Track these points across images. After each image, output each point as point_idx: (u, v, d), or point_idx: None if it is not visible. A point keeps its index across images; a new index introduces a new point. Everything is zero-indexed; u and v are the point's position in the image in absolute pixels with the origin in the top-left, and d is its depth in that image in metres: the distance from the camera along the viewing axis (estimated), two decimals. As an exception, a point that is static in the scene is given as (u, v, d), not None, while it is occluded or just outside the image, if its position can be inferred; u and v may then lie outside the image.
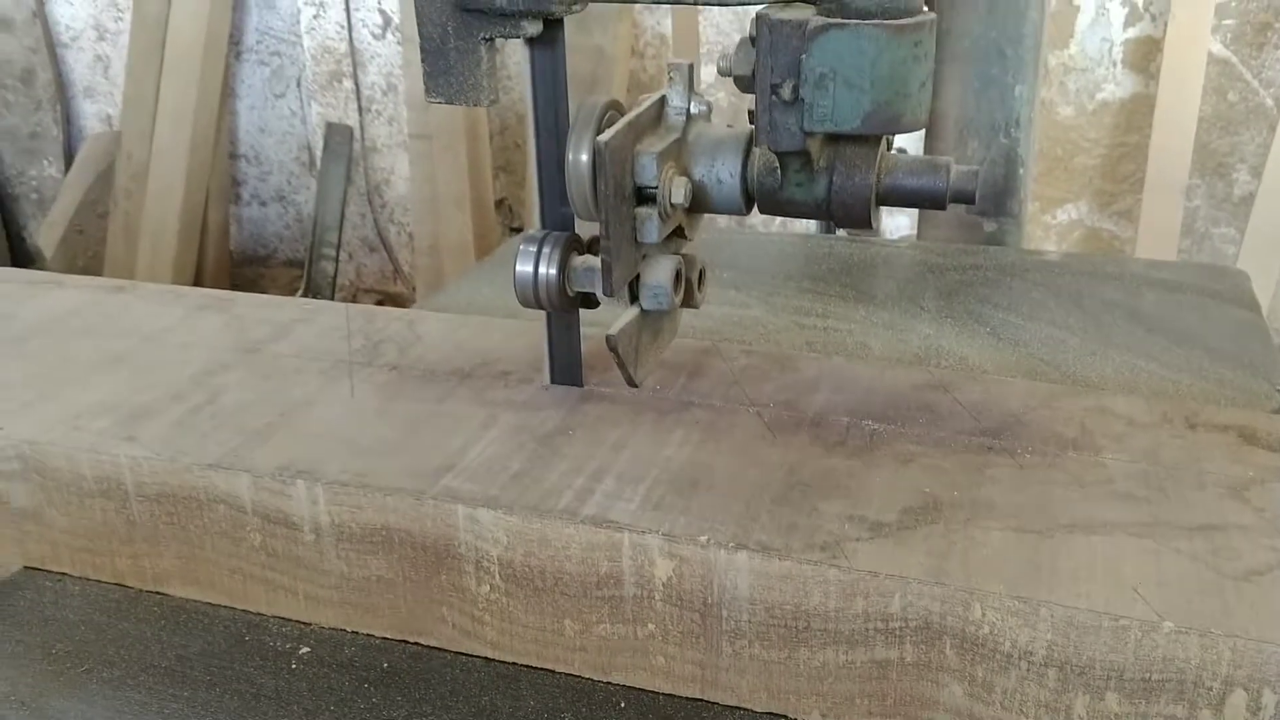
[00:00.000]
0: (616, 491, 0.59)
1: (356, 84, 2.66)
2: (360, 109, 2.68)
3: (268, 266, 2.95)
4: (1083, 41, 2.26)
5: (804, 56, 0.54)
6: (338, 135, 2.68)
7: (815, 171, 0.59)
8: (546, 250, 0.63)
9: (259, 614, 0.65)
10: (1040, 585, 0.51)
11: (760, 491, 0.59)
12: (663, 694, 0.58)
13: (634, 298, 0.62)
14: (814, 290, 1.07)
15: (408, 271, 2.78)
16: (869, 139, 0.59)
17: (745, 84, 0.58)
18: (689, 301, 0.65)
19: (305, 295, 2.67)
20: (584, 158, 0.59)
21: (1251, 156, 2.23)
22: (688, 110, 0.61)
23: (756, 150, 0.60)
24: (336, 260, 2.69)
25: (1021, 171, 1.28)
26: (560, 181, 0.63)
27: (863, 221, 0.60)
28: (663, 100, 0.61)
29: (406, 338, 0.79)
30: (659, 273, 0.61)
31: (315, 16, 2.68)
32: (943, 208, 0.60)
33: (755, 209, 0.62)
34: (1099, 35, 2.25)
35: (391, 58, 2.63)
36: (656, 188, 0.59)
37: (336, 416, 0.68)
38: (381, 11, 2.60)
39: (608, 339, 0.60)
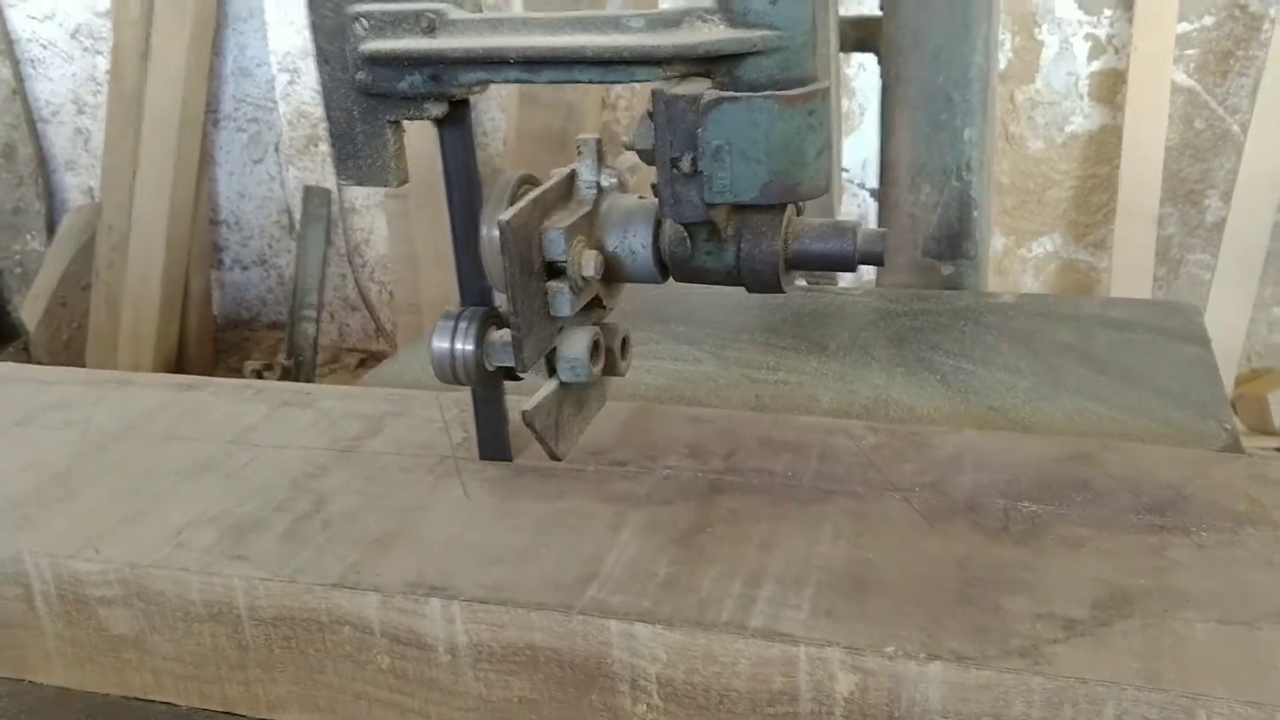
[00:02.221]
0: (780, 598, 0.54)
1: (333, 146, 2.68)
2: (337, 171, 2.70)
3: (251, 330, 2.96)
4: (1048, 76, 2.28)
5: (699, 130, 0.55)
6: (316, 198, 2.70)
7: (723, 240, 0.60)
8: (463, 326, 0.63)
9: (387, 741, 0.62)
10: (1268, 686, 0.48)
11: (935, 590, 0.55)
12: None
13: (552, 370, 0.62)
14: (766, 343, 1.07)
15: (390, 329, 2.78)
16: (772, 207, 0.59)
17: (648, 158, 0.58)
18: (612, 370, 0.65)
19: (288, 357, 2.68)
20: (496, 233, 0.59)
21: (1222, 182, 2.24)
22: (598, 183, 0.62)
23: (666, 221, 0.61)
24: (318, 321, 2.70)
25: (976, 214, 1.29)
26: (476, 257, 0.63)
27: (773, 287, 0.60)
28: (573, 174, 0.62)
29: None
30: (575, 345, 0.61)
31: (290, 83, 2.70)
32: (852, 269, 0.60)
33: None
34: (1064, 69, 2.27)
35: (366, 119, 2.65)
36: (566, 262, 0.59)
37: (456, 521, 0.64)
38: (355, 74, 2.63)
39: (523, 415, 0.60)
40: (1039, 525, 0.60)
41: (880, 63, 1.26)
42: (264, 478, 0.71)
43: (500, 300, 0.65)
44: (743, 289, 0.61)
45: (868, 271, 1.92)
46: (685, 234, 0.60)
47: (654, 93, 0.55)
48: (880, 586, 0.55)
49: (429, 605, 0.57)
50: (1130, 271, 2.24)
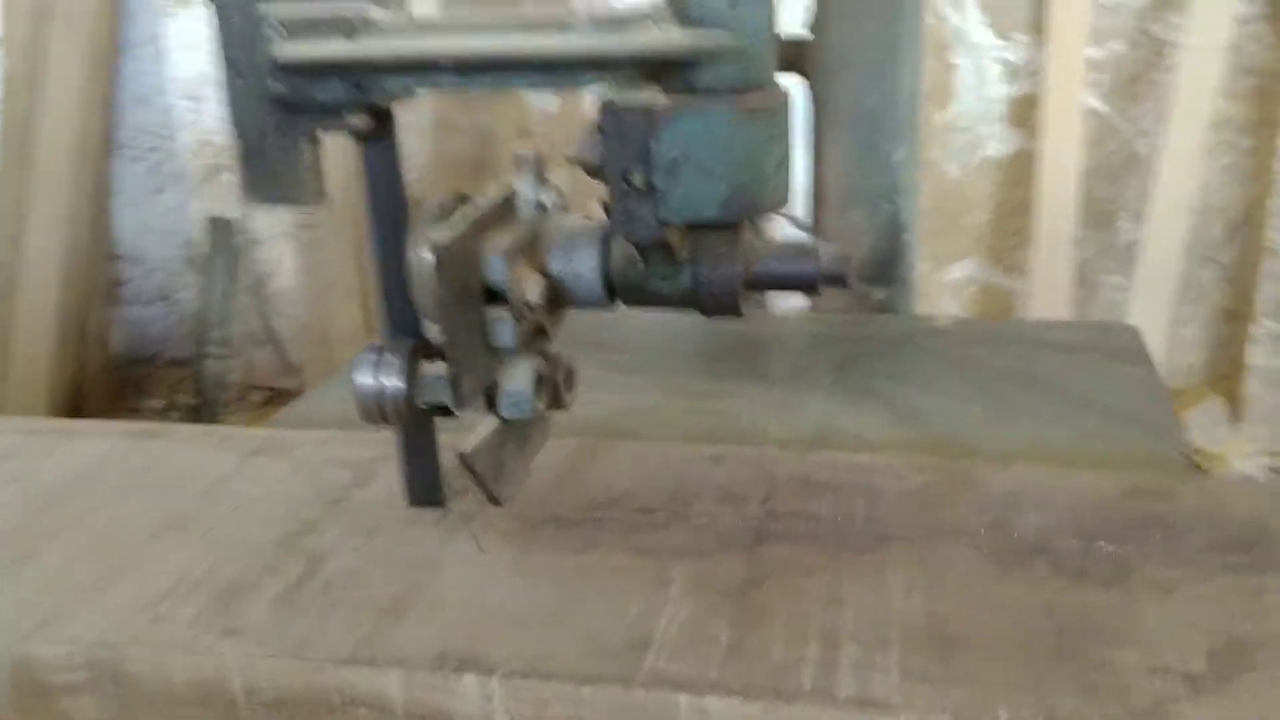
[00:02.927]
0: (864, 660, 0.49)
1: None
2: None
3: (153, 368, 2.83)
4: (964, 101, 2.29)
5: (653, 143, 0.50)
6: (220, 229, 2.60)
7: (678, 262, 0.55)
8: (390, 359, 0.57)
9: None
10: None
11: (1029, 644, 0.50)
12: None
13: (492, 405, 0.57)
14: (708, 371, 1.03)
15: (299, 364, 2.69)
16: (730, 226, 0.55)
17: (595, 173, 0.54)
18: (556, 404, 0.60)
19: (195, 396, 2.57)
20: (427, 257, 0.54)
21: (1133, 204, 2.27)
22: (540, 202, 0.57)
23: (616, 242, 0.56)
24: (225, 357, 2.59)
25: (906, 237, 1.27)
26: (404, 284, 0.57)
27: (733, 311, 0.56)
28: (512, 194, 0.57)
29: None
30: (518, 378, 0.56)
31: (191, 110, 2.61)
32: (816, 292, 0.56)
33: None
34: (979, 94, 2.29)
35: (273, 148, 2.56)
36: (508, 287, 0.54)
37: (473, 581, 0.57)
38: (260, 101, 2.54)
39: (461, 457, 0.54)
40: (1121, 567, 0.56)
41: (809, 85, 1.23)
42: (246, 535, 0.63)
43: (431, 330, 0.59)
44: (691, 312, 0.57)
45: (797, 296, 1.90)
46: (636, 256, 0.55)
47: (603, 102, 0.51)
48: (968, 643, 0.51)
49: (462, 682, 0.50)
50: (1049, 294, 2.26)
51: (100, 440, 0.77)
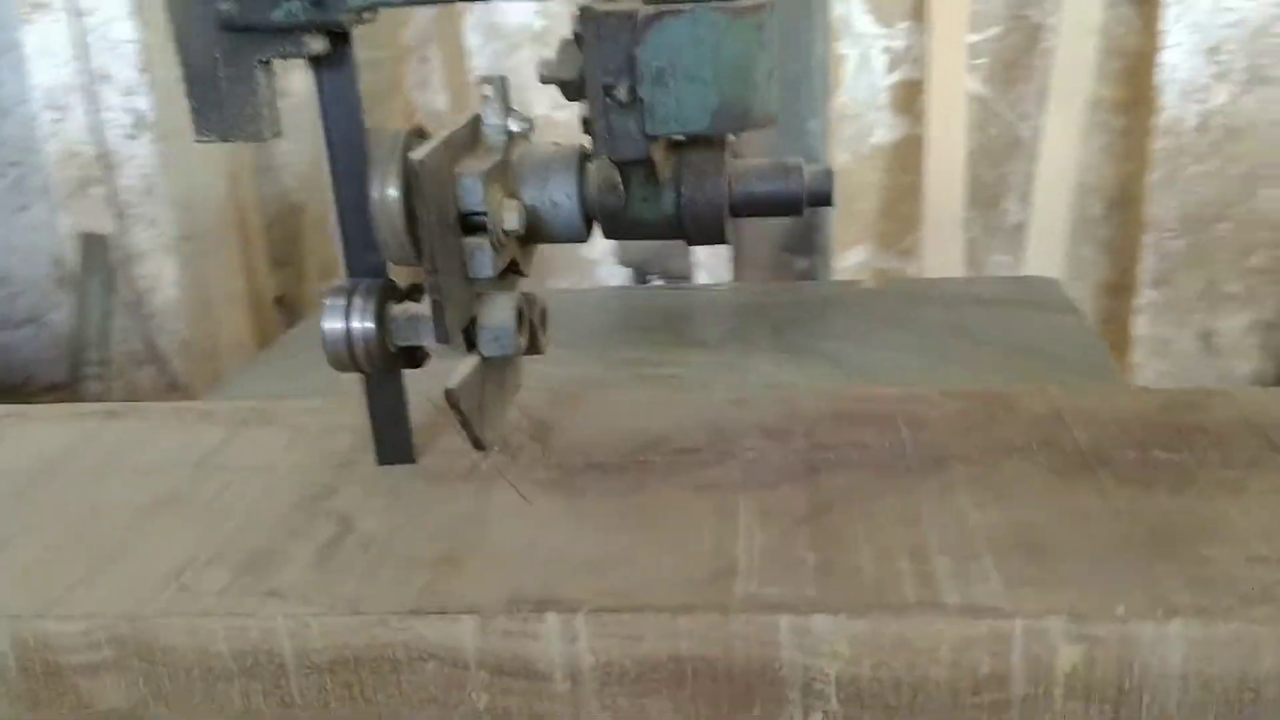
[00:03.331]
0: (960, 571, 0.48)
1: (111, 189, 2.46)
2: (117, 215, 2.48)
3: (25, 395, 2.68)
4: (851, 89, 2.33)
5: (637, 51, 0.48)
6: (92, 246, 2.47)
7: (660, 185, 0.53)
8: (359, 301, 0.54)
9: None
10: None
11: (1121, 548, 0.49)
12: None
13: (471, 345, 0.54)
14: (645, 341, 1.01)
15: (185, 382, 2.57)
16: (715, 143, 0.53)
17: (573, 90, 0.51)
18: (534, 346, 0.57)
19: (71, 421, 2.43)
20: (392, 192, 0.51)
21: (1018, 186, 2.34)
22: (507, 129, 0.54)
23: (593, 166, 0.54)
24: (104, 379, 2.46)
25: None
26: (365, 223, 0.54)
27: (717, 236, 0.54)
28: (477, 120, 0.54)
29: (526, 426, 0.65)
30: (499, 313, 0.53)
31: (56, 120, 2.47)
32: (799, 212, 0.55)
33: (596, 234, 0.56)
34: (865, 82, 2.33)
35: (148, 158, 2.45)
36: (484, 214, 0.51)
37: (527, 529, 0.54)
38: (133, 110, 2.43)
39: (447, 394, 0.51)
40: (1184, 473, 0.55)
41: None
42: (256, 504, 0.58)
43: (397, 273, 0.56)
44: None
45: (723, 269, 1.90)
46: (617, 180, 0.53)
47: (582, 10, 0.49)
48: (1058, 549, 0.49)
49: (544, 623, 0.46)
50: (940, 275, 2.30)
51: (59, 426, 0.70)
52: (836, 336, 0.98)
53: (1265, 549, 0.49)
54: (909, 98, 2.31)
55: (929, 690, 0.45)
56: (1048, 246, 2.28)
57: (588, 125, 0.51)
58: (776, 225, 1.25)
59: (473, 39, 2.33)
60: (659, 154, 0.52)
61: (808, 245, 1.27)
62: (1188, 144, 2.23)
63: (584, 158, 0.54)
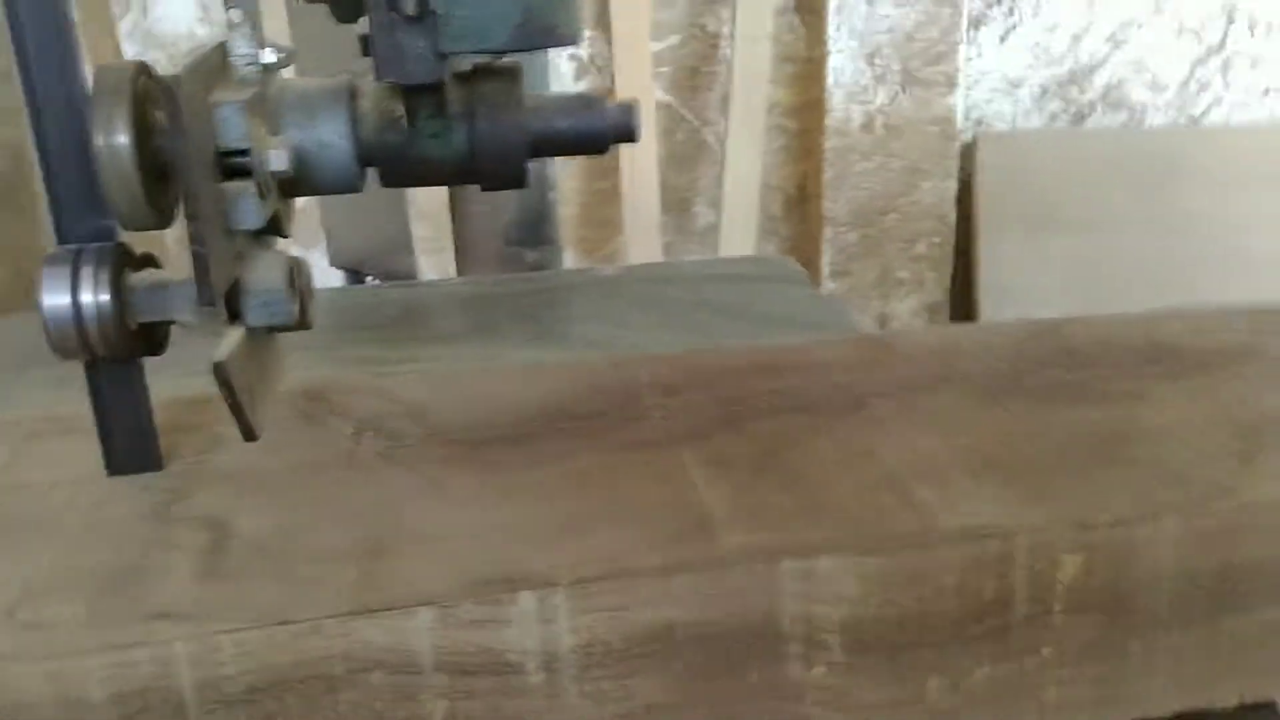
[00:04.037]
0: (944, 496, 0.45)
1: None
2: None
3: None
4: (540, 98, 2.31)
5: (426, -44, 0.42)
6: None
7: (451, 119, 0.47)
8: (88, 269, 0.43)
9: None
10: None
11: (1074, 459, 0.48)
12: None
13: (233, 315, 0.45)
14: (378, 339, 0.92)
15: None
16: (510, 73, 0.47)
17: (347, 7, 0.44)
18: (303, 320, 0.49)
19: None
20: (121, 139, 0.41)
21: (707, 189, 2.41)
22: (260, 60, 0.46)
23: (367, 100, 0.46)
24: None
25: (552, 195, 1.23)
26: (84, 177, 0.44)
27: (515, 178, 0.49)
28: (222, 49, 0.45)
29: (399, 410, 0.56)
30: (269, 273, 0.45)
31: None
32: (603, 150, 0.50)
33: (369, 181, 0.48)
34: (554, 90, 2.32)
35: None
36: (247, 153, 0.43)
37: (452, 511, 0.46)
38: None
39: (216, 369, 0.42)
40: (1087, 388, 0.55)
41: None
42: (89, 521, 0.46)
43: (127, 236, 0.46)
44: (463, 186, 0.49)
45: (448, 267, 1.81)
46: (399, 113, 0.46)
47: (356, -93, 0.42)
48: (1018, 467, 0.48)
49: (516, 605, 0.39)
50: (643, 279, 2.34)
51: None
52: (590, 319, 0.94)
53: (1209, 445, 0.49)
54: (599, 105, 2.33)
55: (933, 624, 0.43)
56: (737, 246, 2.36)
57: (367, 46, 0.44)
58: (503, 218, 1.20)
59: None
60: (449, 81, 0.46)
61: (537, 237, 1.23)
62: (855, 143, 2.38)
63: (354, 92, 0.47)
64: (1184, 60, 2.49)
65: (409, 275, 1.29)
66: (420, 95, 0.46)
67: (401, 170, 0.47)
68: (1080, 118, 2.51)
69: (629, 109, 0.49)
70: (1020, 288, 2.39)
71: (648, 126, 2.32)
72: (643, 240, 2.33)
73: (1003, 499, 0.45)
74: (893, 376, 0.58)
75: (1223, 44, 2.48)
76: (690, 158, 2.40)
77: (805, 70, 2.38)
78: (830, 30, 2.31)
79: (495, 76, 0.47)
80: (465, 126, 0.47)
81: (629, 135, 0.49)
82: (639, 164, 2.31)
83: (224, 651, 0.38)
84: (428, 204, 1.68)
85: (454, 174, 0.48)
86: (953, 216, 2.43)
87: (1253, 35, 2.49)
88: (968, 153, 2.41)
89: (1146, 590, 0.44)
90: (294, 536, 0.45)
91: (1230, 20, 2.47)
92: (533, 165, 1.27)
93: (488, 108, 0.47)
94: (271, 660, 0.38)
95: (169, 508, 0.47)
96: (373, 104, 0.46)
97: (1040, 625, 0.44)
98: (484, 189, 0.49)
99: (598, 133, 0.49)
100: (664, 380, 0.58)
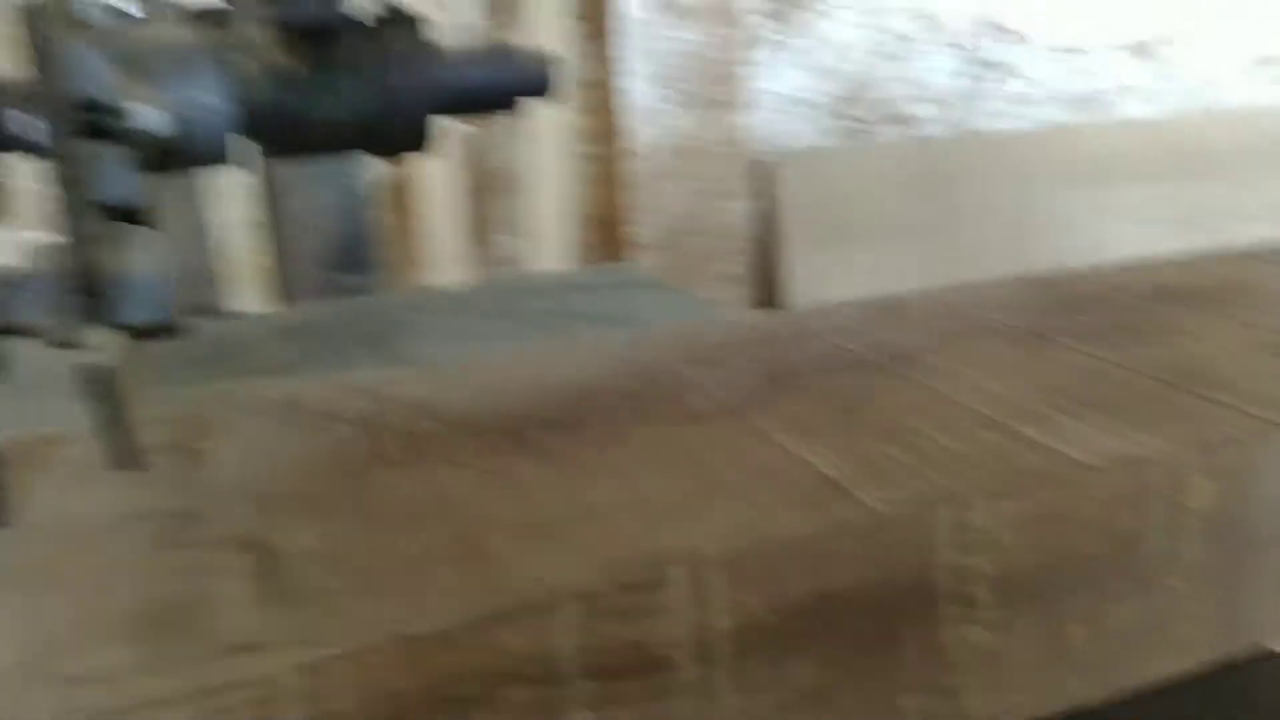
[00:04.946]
0: (1054, 430, 0.42)
1: None
2: None
3: None
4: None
5: None
6: None
7: (349, 70, 0.40)
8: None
9: None
10: None
11: (1150, 390, 0.46)
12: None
13: (95, 316, 0.37)
14: (206, 376, 0.82)
15: None
16: (416, 21, 0.41)
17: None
18: (177, 325, 0.41)
19: None
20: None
21: (511, 218, 2.35)
22: (114, 7, 0.38)
23: (250, 50, 0.39)
24: None
25: (370, 214, 1.16)
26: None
27: (418, 139, 0.42)
28: (64, -5, 0.37)
29: (400, 406, 0.50)
30: (148, 260, 0.36)
31: None
32: (511, 108, 0.45)
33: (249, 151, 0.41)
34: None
35: None
36: (115, 111, 0.35)
37: (537, 496, 0.39)
38: None
39: (91, 376, 0.34)
40: (1129, 328, 0.53)
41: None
42: (90, 561, 0.37)
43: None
44: (356, 154, 0.42)
45: (257, 299, 1.68)
46: (286, 68, 0.39)
47: None
48: (1116, 398, 0.45)
49: (667, 588, 0.33)
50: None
51: None
52: (446, 338, 0.87)
53: (1256, 369, 0.48)
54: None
55: (1070, 567, 0.39)
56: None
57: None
58: (323, 245, 1.11)
59: None
60: (348, 30, 0.39)
61: (357, 262, 1.15)
62: (656, 166, 2.38)
63: (236, 42, 0.39)
64: (951, 74, 2.63)
65: (214, 310, 1.18)
66: (315, 46, 0.39)
67: (288, 134, 0.40)
68: (861, 133, 2.61)
69: (546, 61, 0.44)
70: (831, 300, 2.46)
71: (451, 156, 2.25)
72: (447, 273, 2.25)
73: (1114, 430, 0.42)
74: (928, 331, 0.55)
75: (985, 58, 2.64)
76: (494, 186, 2.35)
77: (599, 95, 2.37)
78: (618, 53, 2.31)
79: (402, 23, 0.41)
80: (368, 80, 0.40)
81: (541, 90, 0.44)
82: (440, 196, 2.23)
83: (333, 675, 0.30)
84: (232, 231, 1.56)
85: (350, 137, 0.41)
86: (754, 235, 2.47)
87: (1010, 46, 2.66)
88: (767, 172, 2.46)
89: (1269, 515, 0.42)
90: (356, 545, 0.37)
91: (989, 33, 2.63)
92: (347, 185, 1.20)
93: (393, 59, 0.40)
94: (394, 683, 0.31)
95: (188, 531, 0.39)
96: (256, 56, 0.39)
97: (1171, 557, 0.41)
98: (383, 155, 0.42)
99: (513, 86, 0.43)
100: (684, 357, 0.54)
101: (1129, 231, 2.43)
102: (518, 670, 0.32)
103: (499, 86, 0.43)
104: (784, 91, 2.50)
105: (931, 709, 0.37)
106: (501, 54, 0.43)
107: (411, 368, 0.54)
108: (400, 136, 0.41)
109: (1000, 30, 2.63)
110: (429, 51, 0.41)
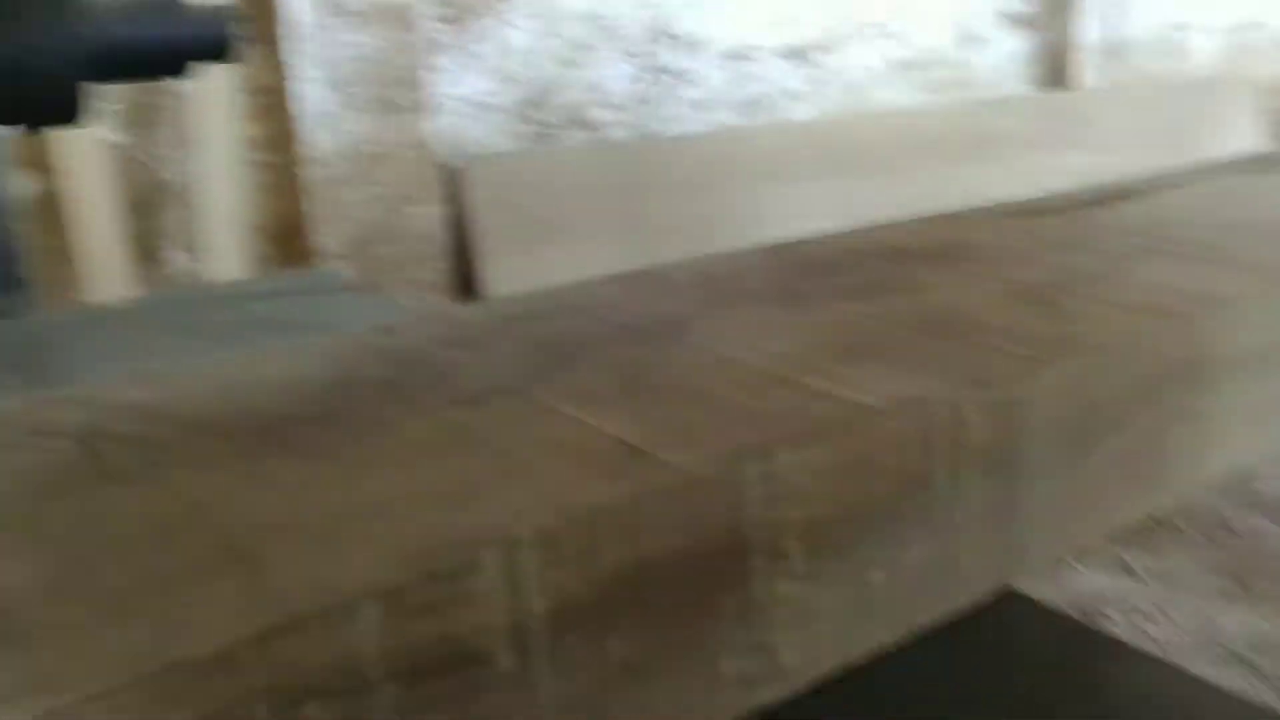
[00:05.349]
0: (840, 375, 0.42)
1: None
2: None
3: None
4: (-42, 144, 1.97)
5: None
6: None
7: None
8: None
9: None
10: None
11: (925, 333, 0.47)
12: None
13: None
14: None
15: None
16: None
17: None
18: None
19: None
20: None
21: (181, 233, 2.19)
22: None
23: None
24: None
25: (13, 226, 1.03)
26: None
27: (66, 109, 0.36)
28: None
29: (122, 415, 0.43)
30: None
31: None
32: (178, 72, 0.40)
33: None
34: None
35: None
36: None
37: (311, 496, 0.34)
38: None
39: None
40: (873, 282, 0.55)
41: None
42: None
43: None
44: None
45: None
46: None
47: None
48: (885, 346, 0.46)
49: (478, 573, 0.30)
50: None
51: None
52: (99, 357, 0.78)
53: (1005, 313, 0.50)
54: (37, 152, 2.02)
55: (872, 508, 0.39)
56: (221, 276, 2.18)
57: None
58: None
59: None
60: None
61: (4, 282, 1.02)
62: (336, 173, 2.29)
63: None
64: (630, 79, 2.70)
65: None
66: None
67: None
68: (549, 138, 2.63)
69: (222, 16, 0.39)
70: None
71: (98, 172, 2.06)
72: (107, 292, 2.06)
73: (892, 377, 0.42)
74: (693, 298, 0.54)
75: (662, 64, 2.72)
76: (155, 201, 2.17)
77: (273, 101, 2.24)
78: (289, 58, 2.20)
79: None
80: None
81: (219, 51, 0.39)
82: (93, 212, 2.04)
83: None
84: None
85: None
86: (446, 241, 2.43)
87: (684, 54, 2.76)
88: (456, 176, 2.42)
89: (1035, 444, 0.43)
90: (92, 570, 0.31)
91: (663, 42, 2.72)
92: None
93: (31, 11, 0.34)
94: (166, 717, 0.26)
95: None
96: None
97: (955, 494, 0.41)
98: (24, 125, 0.36)
99: (181, 46, 0.38)
100: (455, 338, 0.50)
101: (801, 227, 2.58)
102: (315, 684, 0.28)
103: (164, 46, 0.38)
104: (469, 96, 2.48)
105: (751, 670, 0.36)
106: (166, 9, 0.38)
107: (129, 375, 0.47)
108: (43, 104, 0.35)
109: (674, 39, 2.73)
110: (74, 5, 0.35)
